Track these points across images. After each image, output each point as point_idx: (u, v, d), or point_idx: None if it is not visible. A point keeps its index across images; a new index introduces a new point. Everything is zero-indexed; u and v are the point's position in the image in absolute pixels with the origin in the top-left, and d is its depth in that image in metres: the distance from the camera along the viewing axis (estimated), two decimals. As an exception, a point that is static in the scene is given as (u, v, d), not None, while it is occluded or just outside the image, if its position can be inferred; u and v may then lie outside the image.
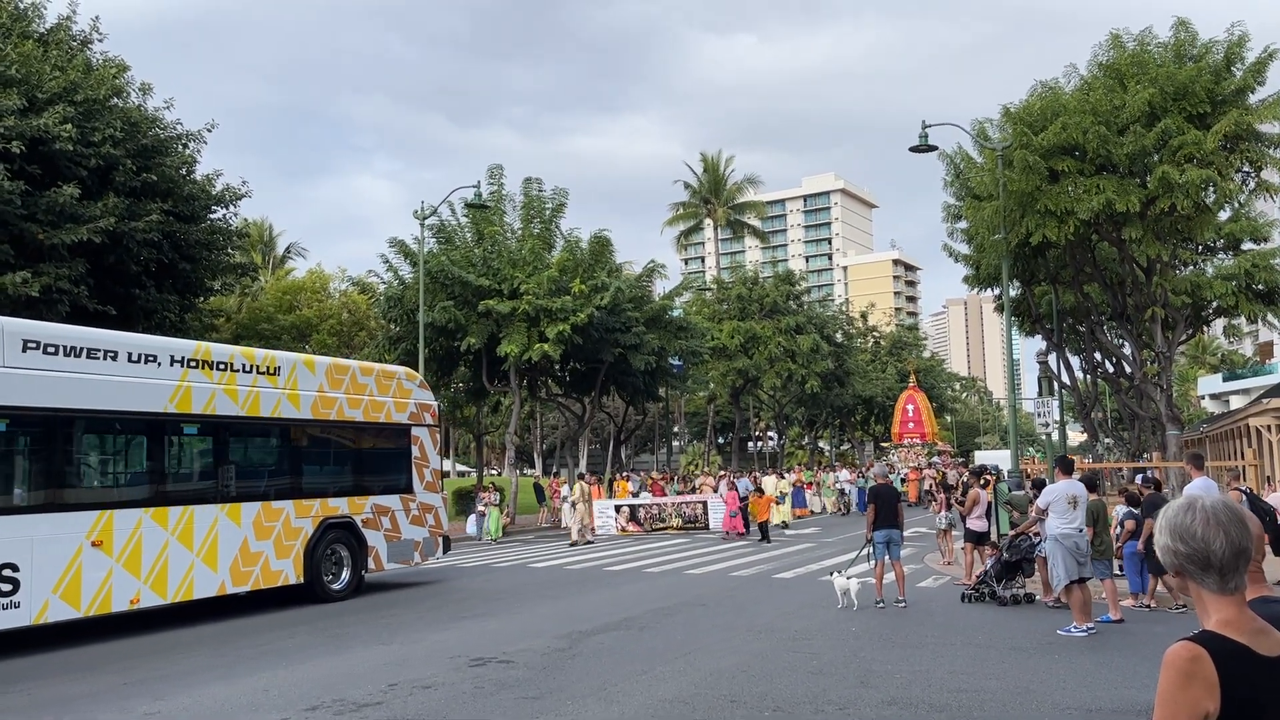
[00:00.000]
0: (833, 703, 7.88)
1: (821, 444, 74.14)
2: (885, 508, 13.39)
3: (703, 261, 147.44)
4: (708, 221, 70.89)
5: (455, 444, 73.19)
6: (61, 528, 11.11)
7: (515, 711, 7.75)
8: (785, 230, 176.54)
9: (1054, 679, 8.72)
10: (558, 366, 34.12)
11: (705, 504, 27.76)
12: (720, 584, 16.15)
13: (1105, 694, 8.14)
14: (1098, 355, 34.78)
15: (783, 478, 33.69)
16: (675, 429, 63.97)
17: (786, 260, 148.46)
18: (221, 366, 13.33)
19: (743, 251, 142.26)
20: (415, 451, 16.37)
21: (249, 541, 13.28)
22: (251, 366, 13.77)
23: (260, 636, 11.76)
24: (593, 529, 26.69)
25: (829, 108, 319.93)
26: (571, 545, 24.25)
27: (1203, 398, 65.42)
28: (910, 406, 47.58)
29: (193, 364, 12.91)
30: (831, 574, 13.62)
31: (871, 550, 13.50)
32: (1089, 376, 35.68)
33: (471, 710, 7.81)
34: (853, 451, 74.81)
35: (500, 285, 30.18)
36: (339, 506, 14.82)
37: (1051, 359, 33.44)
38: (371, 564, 15.30)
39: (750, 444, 71.21)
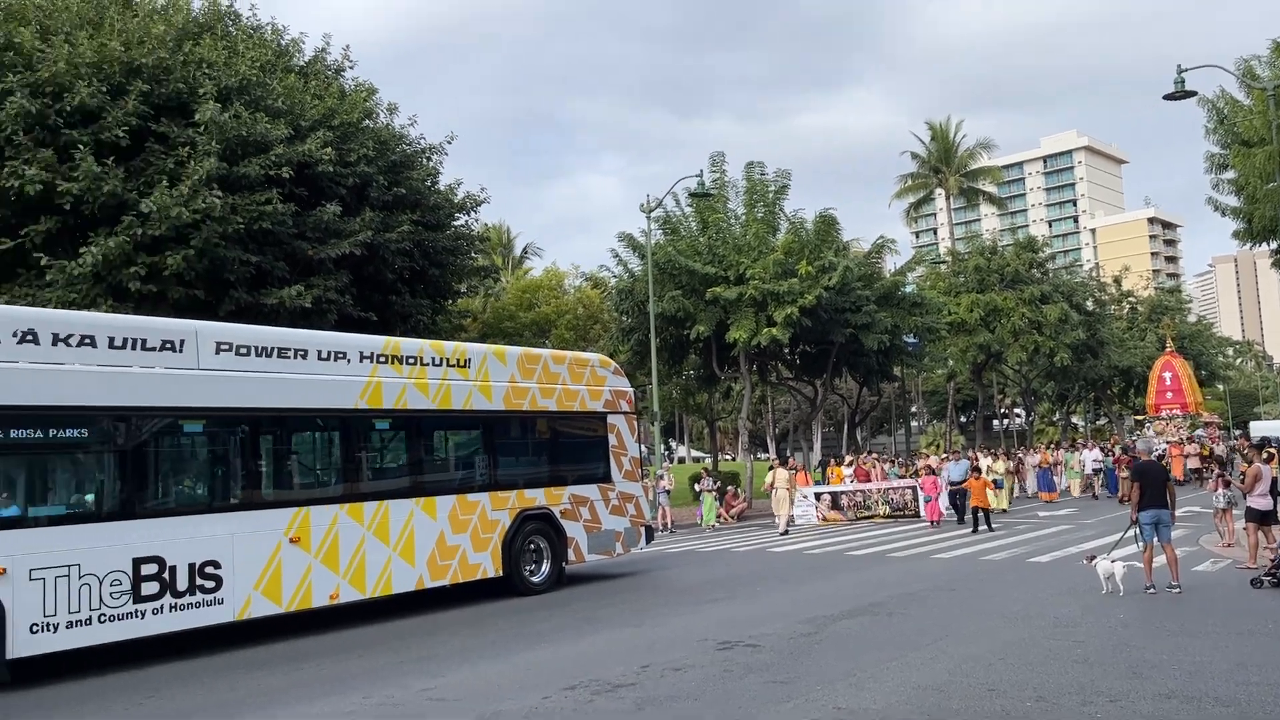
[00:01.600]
0: (1102, 694, 7.41)
1: (1075, 419, 69.70)
2: (1151, 487, 12.43)
3: (935, 233, 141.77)
4: (938, 191, 68.15)
5: (689, 430, 74.30)
6: (260, 525, 11.27)
7: (765, 695, 7.80)
8: (1024, 195, 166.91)
9: (1364, 674, 7.81)
10: (787, 350, 33.87)
11: (915, 490, 25.92)
12: (969, 568, 15.55)
13: None
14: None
15: (999, 459, 29.77)
16: (913, 409, 62.05)
17: (1027, 226, 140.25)
18: (411, 360, 13.25)
19: (978, 220, 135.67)
20: (612, 440, 16.04)
21: (445, 535, 13.20)
22: (441, 359, 13.68)
23: (511, 619, 12.41)
24: (790, 518, 24.89)
25: (1067, 62, 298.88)
26: (783, 535, 23.20)
27: None
28: (1167, 374, 42.65)
29: (382, 359, 12.90)
30: (1092, 558, 12.80)
31: (1138, 532, 12.57)
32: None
33: (722, 692, 7.93)
34: (1110, 427, 69.83)
35: (726, 272, 30.28)
36: (535, 498, 14.58)
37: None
38: (572, 556, 15.01)
39: (995, 422, 67.99)
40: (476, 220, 28.93)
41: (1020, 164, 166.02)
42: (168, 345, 10.84)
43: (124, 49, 20.03)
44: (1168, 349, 45.18)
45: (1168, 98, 21.66)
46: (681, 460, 66.80)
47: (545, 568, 14.65)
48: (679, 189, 32.64)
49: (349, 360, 12.51)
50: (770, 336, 29.17)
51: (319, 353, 12.24)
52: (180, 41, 21.35)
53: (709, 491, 27.65)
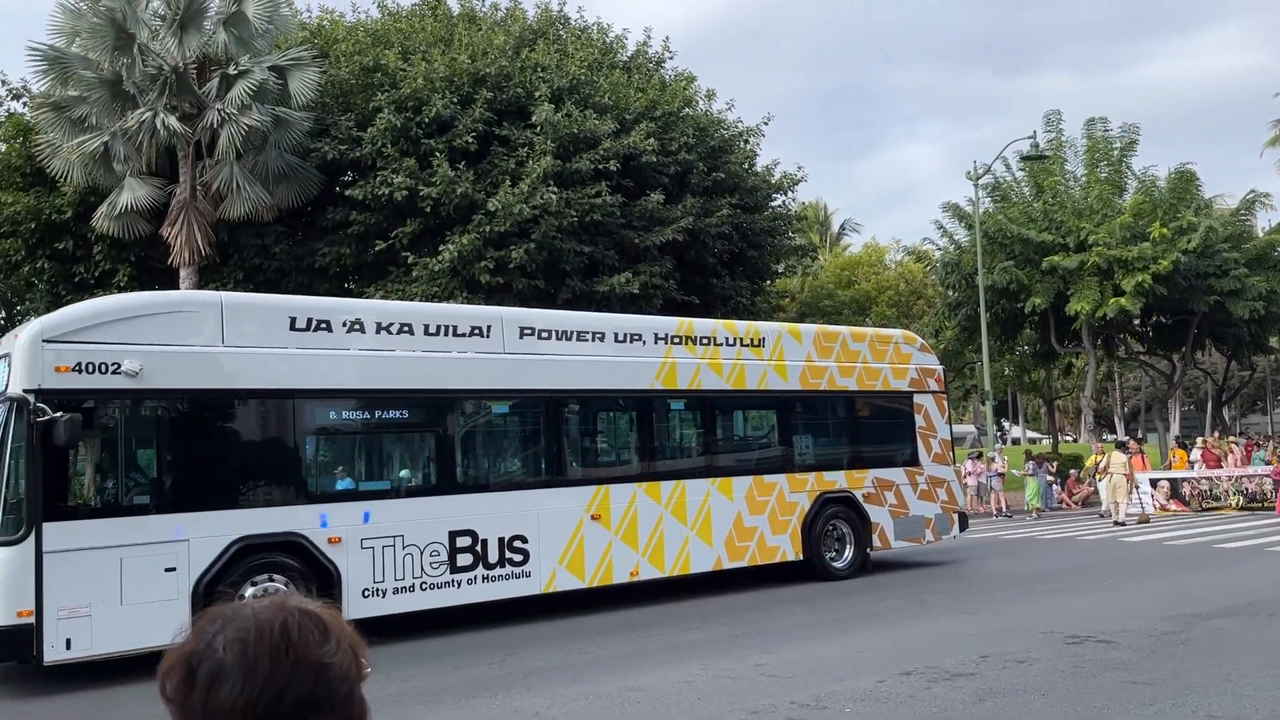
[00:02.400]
0: None
1: None
2: None
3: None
4: (1323, 135, 59.17)
5: (1024, 410, 70.05)
6: (563, 502, 11.65)
7: (1123, 696, 7.19)
8: None
9: None
10: (1138, 321, 31.01)
11: (1276, 480, 22.29)
12: (1374, 568, 13.45)
13: None
14: None
15: None
16: (1293, 384, 54.57)
17: None
18: (704, 341, 13.28)
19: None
20: (919, 420, 15.35)
21: (742, 516, 13.11)
22: (735, 339, 13.62)
23: (838, 600, 12.30)
24: (1117, 505, 21.31)
25: None
26: (1117, 524, 20.55)
27: None
28: None
29: (676, 340, 13.00)
30: None
31: None
32: None
33: (1073, 690, 7.40)
34: None
35: (1065, 239, 28.17)
36: (836, 481, 14.19)
37: None
38: (877, 541, 14.48)
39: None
40: (793, 199, 28.96)
41: None
42: (476, 330, 11.43)
43: (470, 61, 21.94)
44: None
45: None
46: (1015, 441, 63.07)
47: (848, 553, 14.23)
48: (1009, 153, 30.83)
49: (644, 342, 12.72)
50: (1118, 307, 26.80)
51: (615, 335, 12.53)
52: (518, 49, 23.07)
53: (1031, 475, 25.71)
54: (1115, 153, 30.18)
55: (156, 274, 21.38)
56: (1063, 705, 7.02)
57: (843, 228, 60.20)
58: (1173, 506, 23.65)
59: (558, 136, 21.30)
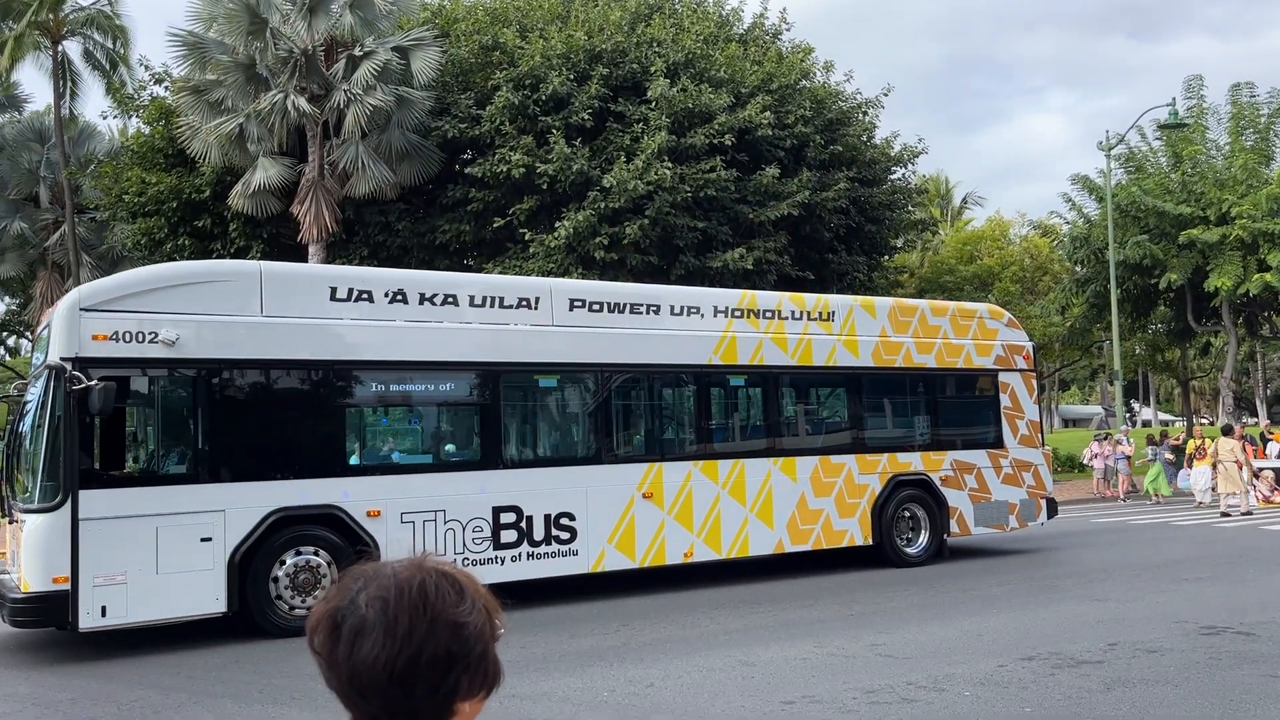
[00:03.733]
0: None
1: None
2: None
3: None
4: None
5: (1157, 391, 67.07)
6: (613, 479, 11.29)
7: (1263, 690, 6.85)
8: None
9: None
10: (1284, 298, 29.21)
11: None
12: None
13: None
14: None
15: None
16: None
17: None
18: (768, 314, 12.78)
19: None
20: (1005, 400, 14.53)
21: (806, 498, 12.59)
22: (802, 313, 13.07)
23: (965, 581, 12.05)
24: (1227, 495, 19.81)
25: None
26: (1224, 515, 19.31)
27: None
28: None
29: (737, 313, 12.53)
30: None
31: None
32: None
33: (1208, 683, 7.09)
34: None
35: (1205, 211, 26.74)
36: (910, 463, 13.55)
37: None
38: (955, 527, 13.79)
39: None
40: (913, 173, 28.26)
41: None
42: (524, 302, 11.15)
43: (587, 38, 22.03)
44: None
45: None
46: (1146, 424, 60.49)
47: (923, 538, 13.58)
48: (1145, 121, 29.34)
49: (702, 315, 12.29)
50: (1263, 283, 25.37)
51: (671, 308, 12.16)
52: (634, 24, 23.03)
53: (1152, 461, 24.36)
54: (1262, 120, 28.45)
55: (287, 250, 22.24)
56: (1197, 698, 6.74)
57: (965, 201, 58.40)
58: (1277, 499, 21.97)
59: (673, 112, 21.24)
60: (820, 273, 24.61)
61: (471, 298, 10.91)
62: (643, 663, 8.15)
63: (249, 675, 8.24)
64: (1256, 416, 52.90)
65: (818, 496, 12.70)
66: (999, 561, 13.85)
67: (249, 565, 9.42)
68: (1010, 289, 38.84)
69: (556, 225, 20.87)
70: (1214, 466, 20.48)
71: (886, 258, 29.00)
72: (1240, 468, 19.81)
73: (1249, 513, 19.46)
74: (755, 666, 7.90)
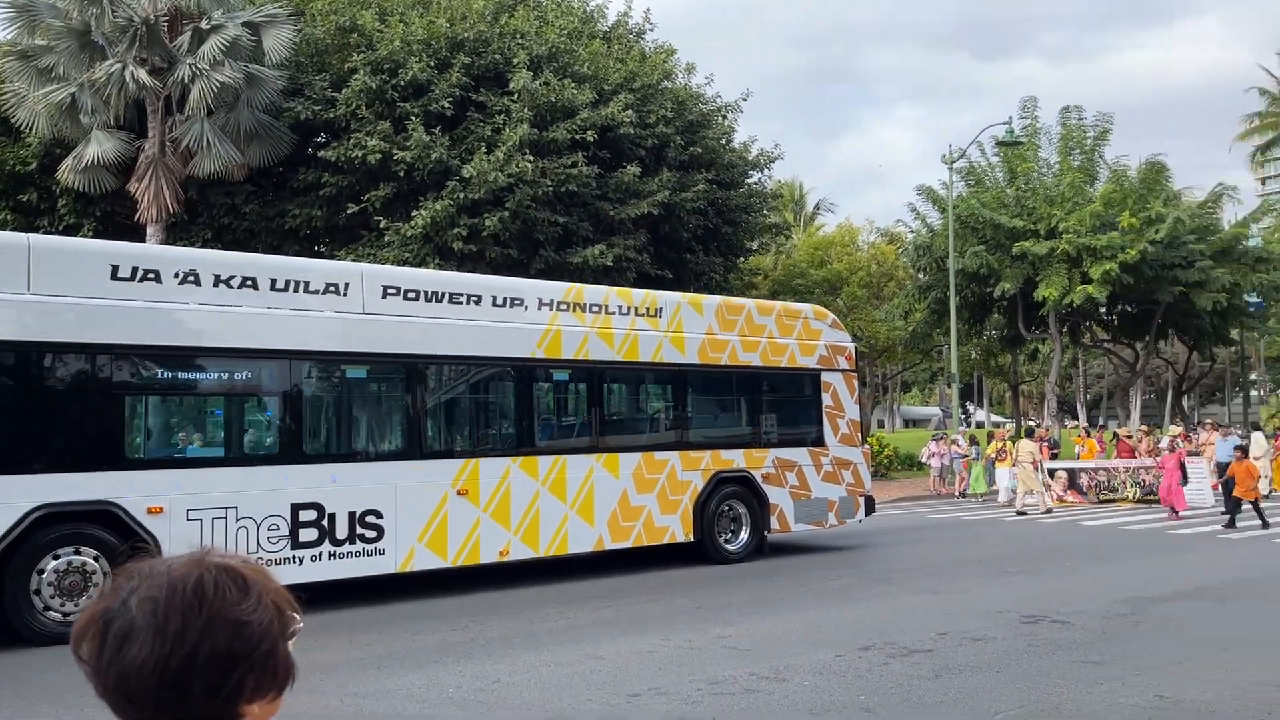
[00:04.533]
0: None
1: None
2: None
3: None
4: (1292, 131, 59.97)
5: (989, 394, 70.82)
6: (425, 476, 10.87)
7: (1075, 675, 7.34)
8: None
9: None
10: (1103, 309, 31.40)
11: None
12: (1321, 557, 13.79)
13: None
14: None
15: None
16: (1252, 377, 55.55)
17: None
18: (595, 309, 12.55)
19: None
20: (827, 400, 14.67)
21: (629, 495, 12.40)
22: (629, 308, 12.90)
23: (805, 575, 12.45)
24: (1024, 494, 20.66)
25: None
26: (1019, 515, 20.09)
27: None
28: None
29: (563, 307, 12.26)
30: None
31: None
32: None
33: (1026, 668, 7.55)
34: None
35: (1036, 225, 28.43)
36: (733, 460, 13.53)
37: None
38: (775, 524, 13.87)
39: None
40: (769, 177, 28.99)
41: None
42: (331, 288, 10.56)
43: (449, 25, 21.67)
44: None
45: None
46: (980, 425, 63.87)
47: (743, 535, 13.64)
48: (984, 137, 30.98)
49: (525, 307, 11.96)
50: (1085, 295, 27.12)
51: (494, 299, 11.74)
52: (497, 14, 22.79)
53: (975, 460, 25.30)
54: (1088, 141, 30.44)
55: (123, 229, 21.05)
56: (1016, 682, 7.15)
57: (817, 207, 60.31)
58: (1070, 498, 22.82)
59: (535, 105, 21.14)
60: (679, 272, 24.96)
61: (273, 281, 10.20)
62: (490, 658, 8.10)
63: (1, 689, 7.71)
64: (1078, 419, 56.56)
65: (640, 493, 12.56)
66: (837, 556, 14.37)
67: (6, 566, 8.60)
68: (858, 293, 40.38)
69: (413, 214, 20.47)
70: (1013, 468, 21.51)
71: (742, 259, 29.66)
72: (1036, 468, 20.99)
73: (1048, 511, 20.48)
74: (603, 660, 7.96)
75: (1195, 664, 7.63)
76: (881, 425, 68.07)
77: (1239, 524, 17.00)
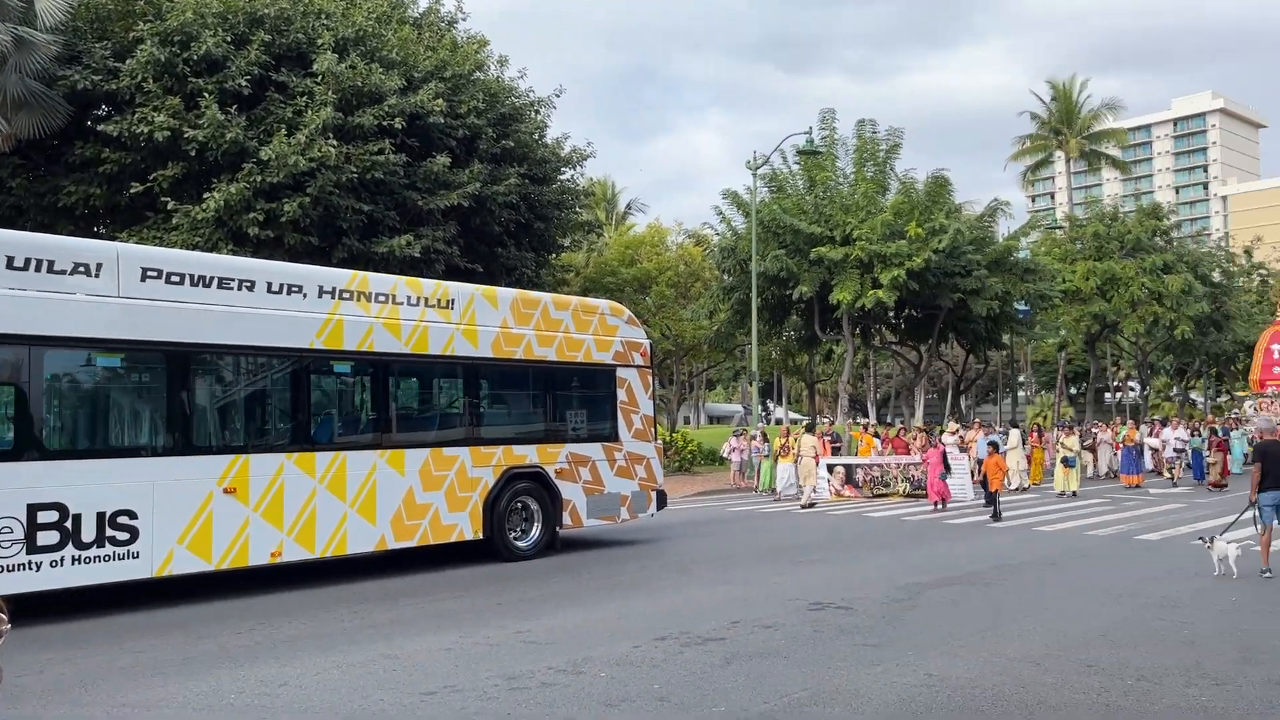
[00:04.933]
0: (1208, 676, 7.16)
1: (1194, 395, 66.87)
2: (1273, 467, 11.84)
3: (1052, 198, 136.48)
4: (1058, 154, 65.62)
5: (788, 392, 73.80)
6: (186, 473, 10.21)
7: (856, 657, 7.77)
8: (1151, 159, 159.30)
9: None
10: (892, 313, 33.25)
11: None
12: (1072, 543, 15.13)
13: None
14: None
15: (1072, 434, 25.33)
16: (1021, 379, 60.37)
17: (1152, 192, 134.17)
18: (382, 299, 12.13)
19: (1099, 185, 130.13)
20: (621, 395, 14.75)
21: (415, 492, 12.10)
22: (419, 299, 12.52)
23: (611, 568, 12.61)
24: (807, 488, 21.92)
25: (1203, 20, 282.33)
26: (803, 508, 21.02)
27: None
28: (1276, 346, 37.29)
29: (346, 295, 11.79)
30: (1204, 539, 12.31)
31: (1257, 514, 12.04)
32: None
33: (811, 653, 7.93)
34: (1230, 403, 66.78)
35: (832, 232, 29.80)
36: (526, 455, 13.41)
37: None
38: (567, 519, 13.86)
39: (1108, 395, 65.69)
40: (582, 175, 29.07)
41: (1148, 126, 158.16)
42: (81, 268, 9.73)
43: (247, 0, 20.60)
44: (1277, 318, 40.39)
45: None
46: (779, 422, 66.49)
47: (535, 531, 13.55)
48: (787, 146, 32.18)
49: (304, 294, 11.40)
50: (875, 299, 28.65)
51: (268, 285, 11.12)
52: (301, -8, 21.83)
53: (766, 456, 25.57)
54: (881, 154, 32.16)
55: None
56: (802, 666, 7.50)
57: (629, 207, 61.18)
58: (847, 492, 23.42)
59: (340, 88, 20.41)
60: (489, 266, 24.70)
61: (10, 259, 9.27)
62: (277, 661, 7.77)
63: None
64: (868, 417, 59.88)
65: (427, 491, 12.25)
66: (638, 549, 14.63)
67: None
68: (666, 292, 41.21)
69: (205, 196, 19.35)
70: (795, 462, 22.56)
71: (554, 255, 29.67)
72: (818, 462, 22.09)
73: (811, 505, 21.33)
74: (399, 659, 7.79)
75: (962, 643, 8.22)
76: (687, 422, 69.82)
77: (1004, 515, 18.43)
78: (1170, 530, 16.47)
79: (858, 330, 34.07)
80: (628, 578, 11.92)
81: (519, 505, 13.44)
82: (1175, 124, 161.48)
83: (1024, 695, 6.72)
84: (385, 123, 20.73)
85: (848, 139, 32.67)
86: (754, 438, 27.51)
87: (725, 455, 28.74)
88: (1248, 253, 59.23)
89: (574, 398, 14.51)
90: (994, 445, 19.66)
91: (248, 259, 12.54)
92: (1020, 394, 60.80)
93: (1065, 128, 63.50)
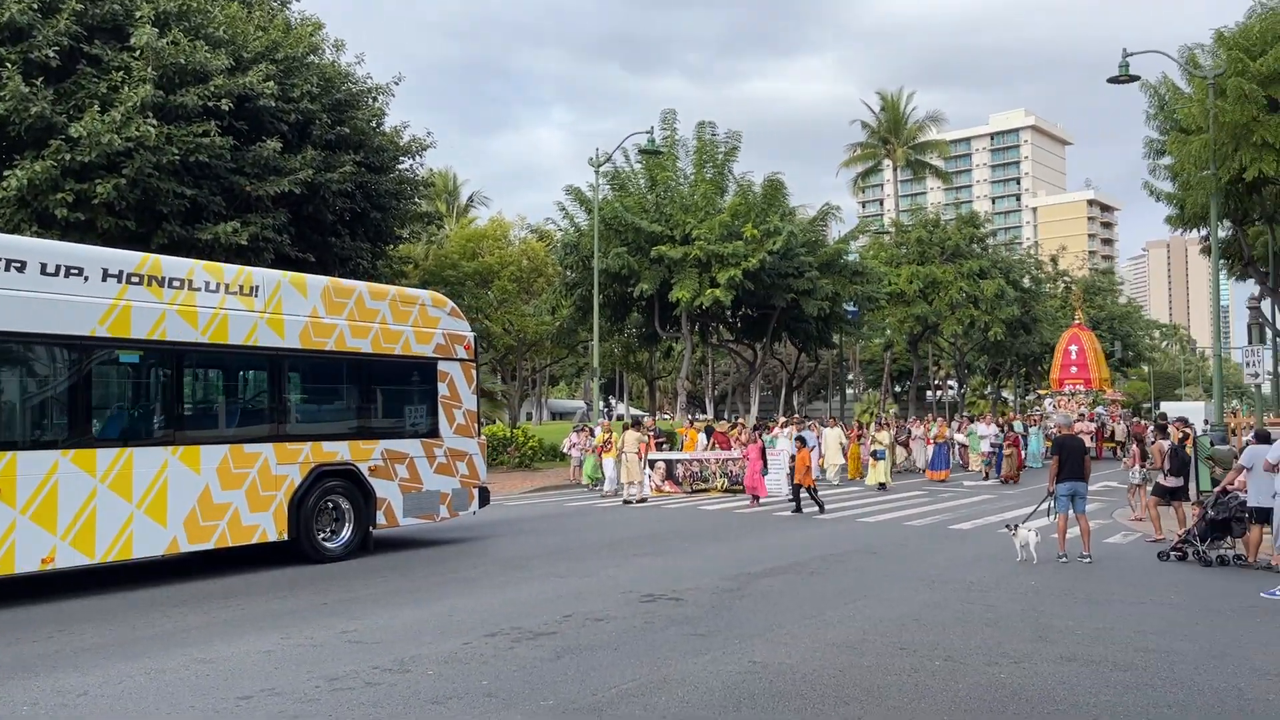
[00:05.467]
0: (1008, 655, 7.66)
1: (1005, 394, 71.32)
2: (1070, 459, 12.78)
3: (880, 204, 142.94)
4: (886, 163, 68.77)
5: (629, 388, 74.52)
6: None
7: (685, 647, 7.92)
8: (970, 170, 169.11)
9: (1254, 643, 8.18)
10: (729, 312, 34.12)
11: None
12: (892, 533, 15.89)
13: (1313, 663, 7.58)
14: (1320, 301, 31.86)
15: (883, 429, 26.35)
16: (850, 376, 62.92)
17: (970, 202, 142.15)
18: (176, 284, 11.29)
19: (923, 193, 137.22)
20: (443, 389, 14.28)
21: (211, 491, 11.34)
22: (219, 285, 11.72)
23: (446, 565, 12.43)
24: (628, 484, 21.83)
25: (1019, 41, 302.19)
26: (625, 503, 20.96)
27: None
28: (1073, 348, 39.24)
29: (135, 279, 10.94)
30: (1009, 526, 13.17)
31: (1053, 504, 12.96)
32: (1308, 325, 32.76)
33: (642, 644, 8.03)
34: (1033, 401, 71.71)
35: (673, 231, 30.30)
36: (337, 452, 12.79)
37: (1265, 305, 30.79)
38: (382, 519, 13.30)
39: (929, 393, 69.26)
40: (422, 165, 28.51)
41: (968, 140, 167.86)
42: None
43: (56, -35, 19.22)
44: (1076, 320, 42.59)
45: (1112, 80, 22.05)
46: (620, 418, 67.08)
47: (346, 532, 12.95)
48: (629, 145, 32.47)
49: (85, 278, 10.50)
50: (713, 298, 29.30)
51: (43, 266, 10.17)
52: (117, -40, 20.54)
53: (589, 451, 25.30)
54: (720, 156, 32.93)
55: None
56: (633, 658, 7.59)
57: (471, 200, 60.42)
58: (667, 488, 23.26)
59: (161, 65, 19.31)
60: (322, 256, 23.89)
61: None
62: (78, 669, 7.29)
63: None
64: (706, 412, 61.12)
65: (225, 489, 11.51)
66: (473, 545, 14.47)
67: None
68: (509, 287, 40.89)
69: (5, 174, 17.95)
70: (618, 458, 22.38)
71: (391, 247, 28.98)
72: (640, 459, 21.95)
73: (643, 500, 21.32)
74: (213, 663, 7.44)
75: (786, 631, 8.51)
76: (530, 418, 69.49)
77: (827, 507, 19.18)
78: (981, 520, 17.52)
79: (696, 328, 34.75)
80: (461, 574, 11.77)
81: (329, 504, 12.79)
82: (992, 138, 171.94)
83: (841, 679, 7.02)
84: (211, 103, 19.75)
85: (688, 140, 33.33)
86: (593, 433, 27.63)
87: (566, 451, 28.76)
88: (1054, 261, 63.68)
89: (391, 391, 13.96)
90: (801, 440, 19.72)
91: (16, 237, 11.44)
92: (849, 391, 63.37)
93: (893, 137, 66.64)
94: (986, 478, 27.26)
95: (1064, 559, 12.47)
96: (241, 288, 11.97)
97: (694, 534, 15.83)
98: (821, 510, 18.52)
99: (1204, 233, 30.14)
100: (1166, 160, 27.68)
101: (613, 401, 72.26)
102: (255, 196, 21.08)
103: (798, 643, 8.09)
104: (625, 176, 33.29)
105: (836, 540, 14.81)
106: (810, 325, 34.70)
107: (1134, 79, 22.29)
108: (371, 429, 13.44)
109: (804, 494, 18.70)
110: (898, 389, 67.82)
